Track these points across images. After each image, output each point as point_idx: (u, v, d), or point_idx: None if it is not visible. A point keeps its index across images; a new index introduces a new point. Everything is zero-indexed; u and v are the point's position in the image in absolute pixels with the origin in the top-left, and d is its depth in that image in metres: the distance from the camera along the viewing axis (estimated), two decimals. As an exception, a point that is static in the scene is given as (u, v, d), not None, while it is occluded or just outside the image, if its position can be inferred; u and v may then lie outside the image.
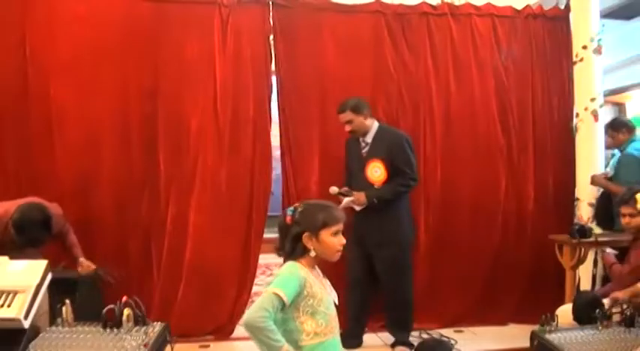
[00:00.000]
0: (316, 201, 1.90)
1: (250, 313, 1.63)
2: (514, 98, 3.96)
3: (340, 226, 1.80)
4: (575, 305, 2.55)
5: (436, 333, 3.62)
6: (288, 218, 1.79)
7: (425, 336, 3.56)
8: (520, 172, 3.95)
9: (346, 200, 3.25)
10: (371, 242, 3.34)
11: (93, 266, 2.91)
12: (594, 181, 3.74)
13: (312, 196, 3.55)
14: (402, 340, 3.41)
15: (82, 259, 2.93)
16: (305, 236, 1.77)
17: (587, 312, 2.27)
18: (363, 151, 3.38)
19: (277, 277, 1.73)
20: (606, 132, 3.83)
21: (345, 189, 3.32)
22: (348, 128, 3.34)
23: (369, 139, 3.38)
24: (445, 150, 3.85)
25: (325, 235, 1.77)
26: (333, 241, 1.78)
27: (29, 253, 2.60)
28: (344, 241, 1.80)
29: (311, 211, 1.79)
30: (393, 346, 3.42)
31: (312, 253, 1.78)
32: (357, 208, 3.30)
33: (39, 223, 2.60)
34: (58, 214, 2.86)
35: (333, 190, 3.29)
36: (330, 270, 3.63)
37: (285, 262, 1.81)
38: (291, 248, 1.79)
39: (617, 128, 3.78)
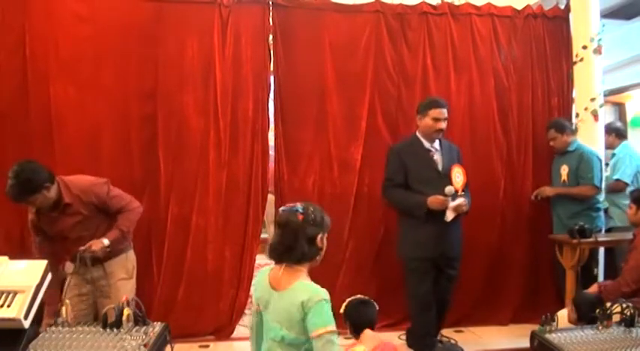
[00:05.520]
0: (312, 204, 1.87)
1: None
2: (514, 98, 3.96)
3: None
4: (576, 304, 2.55)
5: (436, 333, 3.62)
6: (300, 216, 1.75)
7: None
8: (519, 171, 3.96)
9: (458, 202, 3.07)
10: (448, 256, 3.20)
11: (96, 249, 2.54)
12: (546, 191, 3.74)
13: (308, 197, 3.56)
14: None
15: (102, 240, 2.58)
16: (319, 238, 1.77)
17: (589, 310, 2.28)
18: (435, 156, 3.22)
19: (319, 313, 1.65)
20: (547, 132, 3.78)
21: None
22: (441, 125, 3.19)
23: (437, 145, 3.26)
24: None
25: (324, 238, 1.81)
26: (325, 245, 1.82)
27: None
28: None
29: (321, 213, 1.80)
30: None
31: (320, 256, 1.80)
32: (450, 217, 3.09)
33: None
34: (101, 191, 2.72)
35: (450, 189, 3.05)
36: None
37: (288, 262, 1.76)
38: (308, 249, 1.75)
39: (562, 130, 3.72)
